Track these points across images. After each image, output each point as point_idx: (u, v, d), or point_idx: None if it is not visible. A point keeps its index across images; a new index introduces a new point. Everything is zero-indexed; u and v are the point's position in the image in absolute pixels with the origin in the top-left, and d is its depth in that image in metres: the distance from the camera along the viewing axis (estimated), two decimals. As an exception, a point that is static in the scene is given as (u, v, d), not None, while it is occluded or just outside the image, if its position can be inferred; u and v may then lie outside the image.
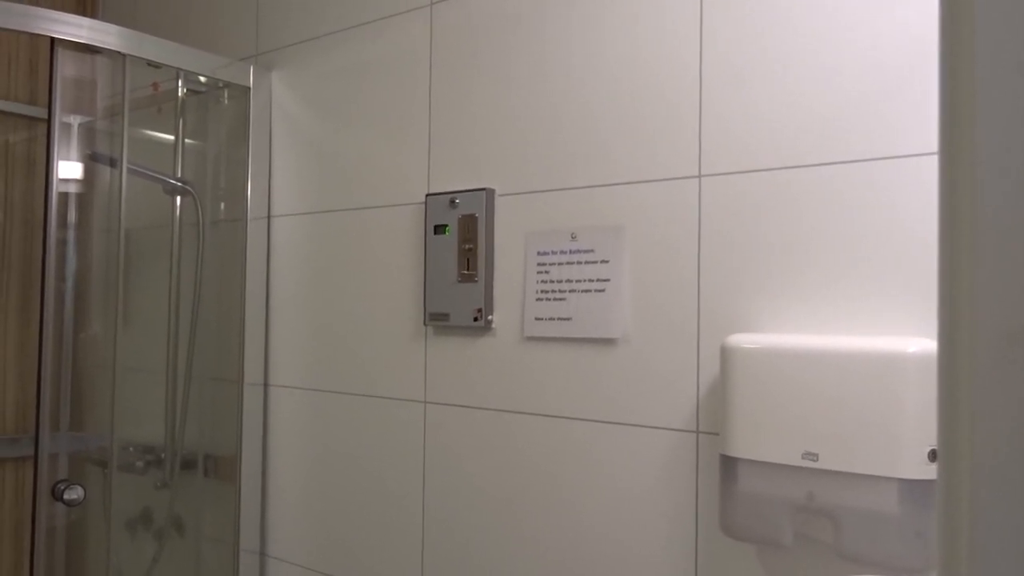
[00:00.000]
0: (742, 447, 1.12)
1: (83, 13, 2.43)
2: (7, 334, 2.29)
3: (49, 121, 1.61)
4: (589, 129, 1.40)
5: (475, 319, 1.50)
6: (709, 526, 1.25)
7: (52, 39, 1.59)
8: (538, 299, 1.44)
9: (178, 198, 2.01)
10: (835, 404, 1.05)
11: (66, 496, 1.57)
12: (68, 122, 2.20)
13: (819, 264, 1.16)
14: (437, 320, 1.56)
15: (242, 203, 1.91)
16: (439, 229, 1.57)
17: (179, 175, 2.00)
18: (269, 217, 1.93)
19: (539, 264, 1.44)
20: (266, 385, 1.92)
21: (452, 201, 1.55)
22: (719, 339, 1.24)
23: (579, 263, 1.39)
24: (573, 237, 1.40)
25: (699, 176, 1.27)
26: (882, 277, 1.11)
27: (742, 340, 1.14)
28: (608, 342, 1.36)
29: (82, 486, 1.61)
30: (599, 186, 1.38)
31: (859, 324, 1.12)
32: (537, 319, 1.44)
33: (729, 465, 1.14)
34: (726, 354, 1.14)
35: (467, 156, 1.56)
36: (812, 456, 1.06)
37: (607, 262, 1.36)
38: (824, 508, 1.06)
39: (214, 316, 1.98)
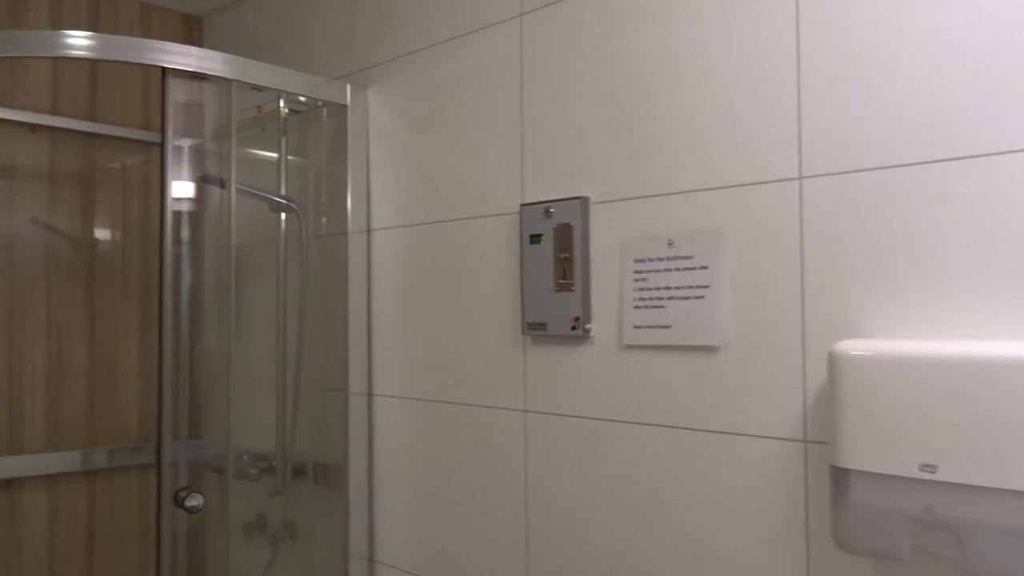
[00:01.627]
0: (854, 458, 1.08)
1: (190, 41, 2.55)
2: (130, 348, 2.42)
3: (163, 145, 1.69)
4: (684, 133, 1.38)
5: (573, 328, 1.50)
6: (821, 538, 1.21)
7: (164, 69, 1.67)
8: (636, 307, 1.42)
9: (283, 215, 2.08)
10: (955, 413, 1.00)
11: (187, 503, 1.65)
12: (179, 145, 2.31)
13: (933, 266, 1.11)
14: (535, 330, 1.57)
15: (343, 217, 1.97)
16: (534, 239, 1.57)
17: (283, 192, 2.07)
18: (369, 230, 1.98)
19: (636, 272, 1.42)
20: (370, 394, 1.97)
21: (547, 210, 1.55)
22: (826, 345, 1.20)
23: (677, 270, 1.37)
24: (670, 243, 1.38)
25: (799, 178, 1.24)
26: (1001, 278, 1.05)
27: (851, 347, 1.10)
28: (709, 349, 1.33)
29: (201, 493, 1.68)
30: (695, 191, 1.36)
31: (977, 328, 1.07)
32: (636, 327, 1.42)
33: (841, 476, 1.10)
34: (834, 361, 1.11)
35: (561, 165, 1.56)
36: (930, 468, 1.01)
37: (706, 268, 1.33)
38: (945, 522, 1.01)
39: (319, 327, 2.04)
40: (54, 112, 2.29)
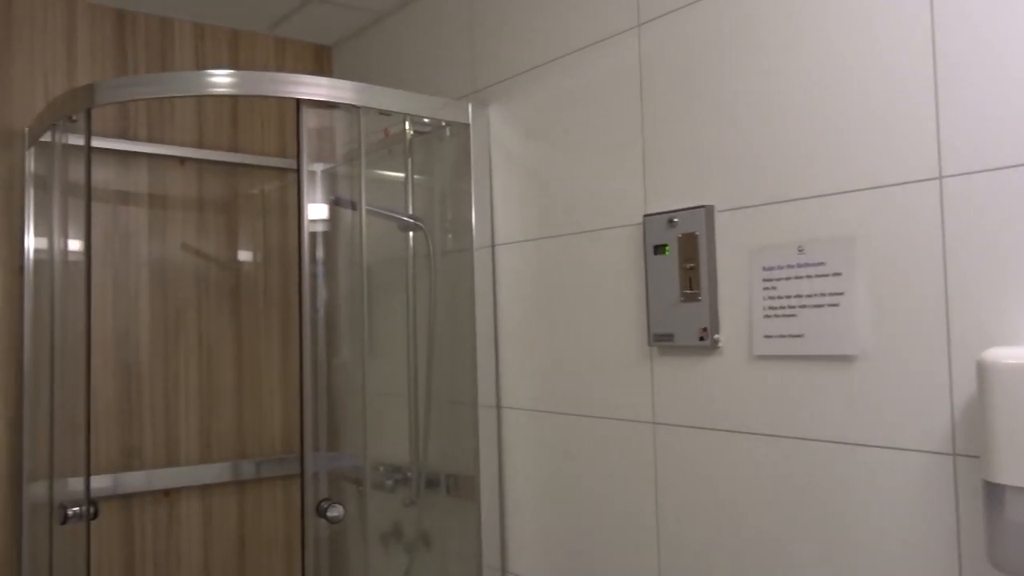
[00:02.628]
0: (1009, 473, 1.02)
1: (320, 70, 2.67)
2: (272, 364, 2.55)
3: (299, 171, 1.78)
4: (813, 135, 1.34)
5: (700, 338, 1.48)
6: (975, 557, 1.14)
7: (298, 100, 1.76)
8: (766, 316, 1.39)
9: (410, 233, 2.15)
10: (1123, 425, 0.92)
11: (329, 514, 1.73)
12: (312, 170, 2.43)
13: (1093, 266, 1.03)
14: (662, 340, 1.55)
15: (468, 234, 2.01)
16: (658, 249, 1.56)
17: (410, 211, 2.14)
18: (493, 246, 2.02)
19: (765, 280, 1.39)
20: (499, 407, 2.00)
21: (670, 220, 1.53)
22: (974, 354, 1.14)
23: (808, 277, 1.33)
24: (800, 250, 1.34)
25: (939, 177, 1.18)
26: None
27: (1003, 355, 1.03)
28: (845, 359, 1.29)
29: (342, 504, 1.75)
30: (826, 195, 1.32)
31: None
32: (766, 337, 1.39)
33: (994, 492, 1.04)
34: (984, 370, 1.05)
35: (683, 174, 1.55)
36: (1097, 484, 0.94)
37: (839, 275, 1.29)
38: (1116, 543, 0.94)
39: (448, 341, 2.09)
40: (200, 145, 2.45)
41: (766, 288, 1.39)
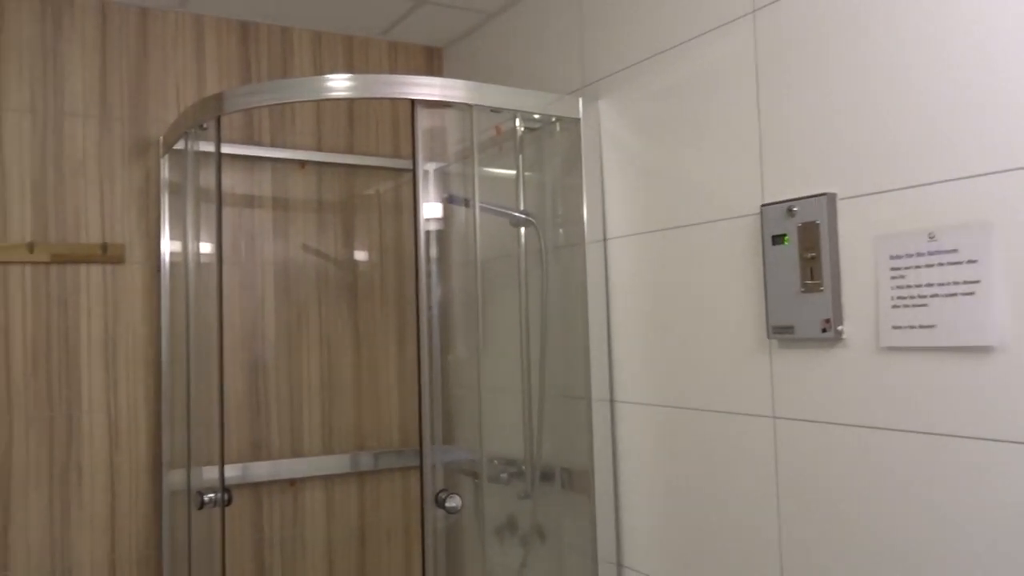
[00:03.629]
0: None
1: (431, 71, 2.73)
2: (389, 359, 2.62)
3: (414, 170, 1.83)
4: (942, 117, 1.28)
5: (823, 330, 1.44)
6: None
7: (413, 101, 1.81)
8: (894, 306, 1.34)
9: (522, 229, 2.17)
10: None
11: (447, 504, 1.76)
12: (426, 169, 2.49)
13: None
14: (781, 333, 1.52)
15: (579, 228, 2.02)
16: (777, 239, 1.52)
17: (521, 207, 2.16)
18: (605, 240, 2.01)
19: (892, 268, 1.34)
20: (612, 401, 1.99)
21: (790, 210, 1.50)
22: None
23: (940, 265, 1.27)
24: (931, 237, 1.28)
25: (1088, 156, 1.11)
26: None
27: None
28: (981, 350, 1.22)
29: (459, 495, 1.79)
30: (958, 179, 1.26)
31: None
32: (895, 328, 1.34)
33: None
34: None
35: (803, 162, 1.51)
36: None
37: (974, 262, 1.23)
38: None
39: (560, 336, 2.10)
40: (318, 148, 2.54)
41: (894, 277, 1.34)
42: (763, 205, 1.55)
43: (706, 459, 1.73)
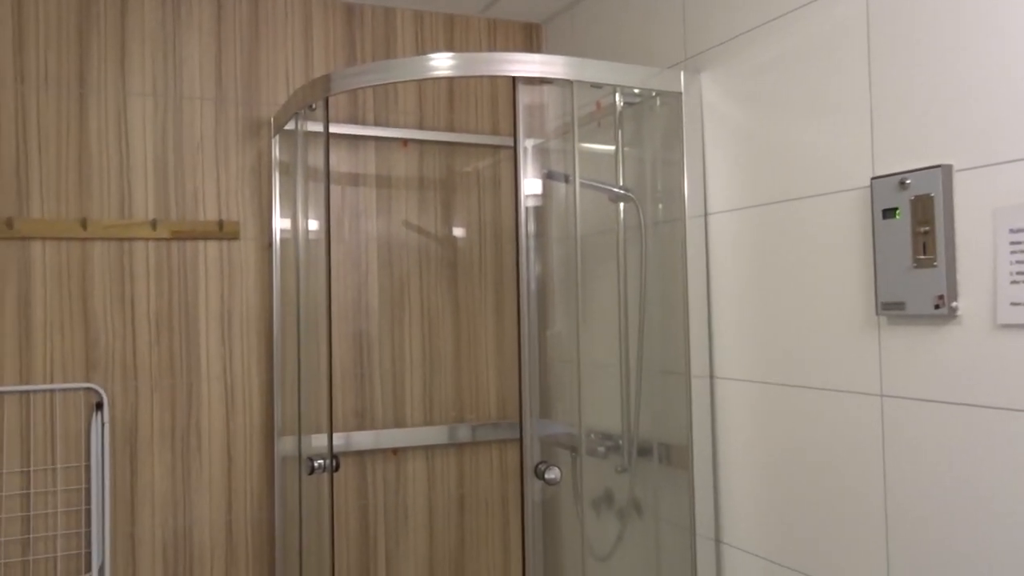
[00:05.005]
0: None
1: (530, 48, 2.74)
2: (487, 333, 2.67)
3: (515, 146, 1.85)
4: (1071, 84, 1.22)
5: (936, 307, 1.39)
6: None
7: (514, 78, 1.83)
8: (1013, 282, 1.28)
9: (621, 204, 2.17)
10: None
11: (547, 476, 1.80)
12: (525, 146, 2.50)
13: None
14: (891, 309, 1.48)
15: (679, 204, 2.00)
16: (888, 213, 1.48)
17: (620, 183, 2.16)
18: (706, 215, 1.99)
19: (1013, 243, 1.29)
20: (712, 377, 1.98)
21: (902, 182, 1.45)
22: None
23: (1066, 238, 1.21)
24: (1056, 209, 1.23)
25: None
26: None
27: None
28: (1111, 328, 1.17)
29: (558, 467, 1.82)
30: (1088, 148, 1.19)
31: None
32: (1013, 304, 1.29)
33: None
34: None
35: (916, 133, 1.46)
36: None
37: (1104, 235, 1.17)
38: None
39: (659, 312, 2.10)
40: (420, 127, 2.60)
41: (1014, 252, 1.28)
42: (873, 178, 1.51)
43: (808, 437, 1.71)
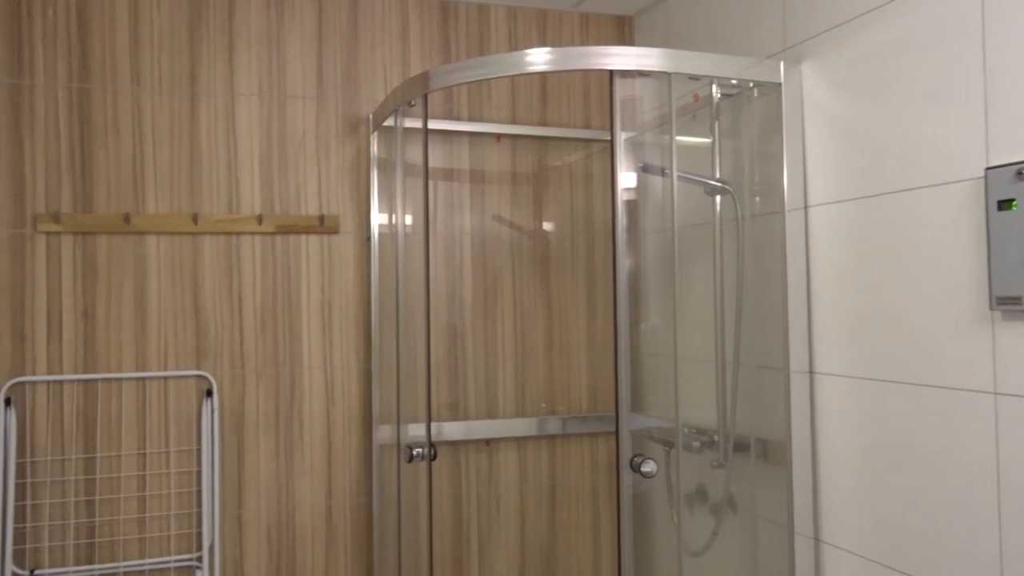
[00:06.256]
0: None
1: (622, 41, 2.73)
2: (579, 327, 2.68)
3: (612, 141, 1.85)
4: None
5: (1057, 301, 1.34)
6: None
7: (611, 71, 1.83)
8: None
9: (717, 197, 2.15)
10: None
11: (643, 469, 1.80)
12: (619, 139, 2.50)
13: None
14: (1007, 304, 1.43)
15: (777, 196, 1.97)
16: (1003, 204, 1.43)
17: (717, 176, 2.14)
18: (806, 207, 1.96)
19: None
20: (811, 372, 1.95)
21: (1019, 172, 1.40)
22: None
23: None
24: None
25: None
26: None
27: None
28: None
29: (654, 460, 1.82)
30: None
31: None
32: None
33: None
34: None
35: (1036, 120, 1.40)
36: None
37: None
38: None
39: (756, 306, 2.07)
40: (513, 122, 2.62)
41: None
42: (988, 168, 1.46)
43: (915, 435, 1.66)
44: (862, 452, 1.80)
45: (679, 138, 2.27)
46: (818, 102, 1.92)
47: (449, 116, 2.56)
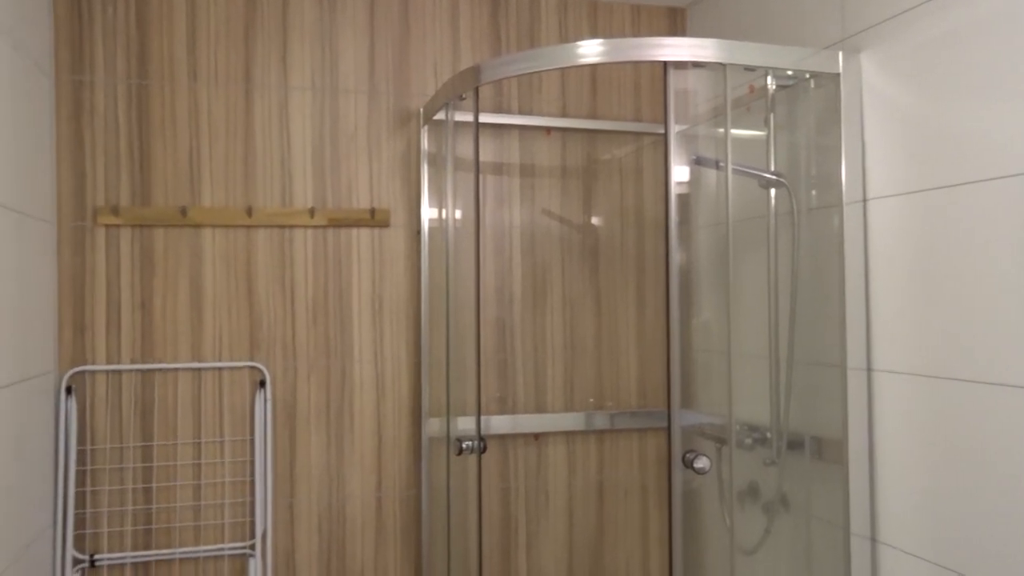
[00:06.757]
0: None
1: (674, 32, 2.70)
2: (628, 322, 2.66)
3: (666, 133, 1.83)
4: None
5: None
6: None
7: (665, 63, 1.81)
8: None
9: (772, 190, 2.11)
10: None
11: (696, 464, 1.78)
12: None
13: None
14: (1079, 300, 1.38)
15: (835, 189, 1.93)
16: (1076, 197, 1.38)
17: (772, 168, 2.10)
18: (864, 200, 1.92)
19: None
20: (869, 369, 1.91)
21: (1094, 163, 1.35)
22: None
23: None
24: None
25: None
26: None
27: None
28: None
29: (706, 456, 1.80)
30: None
31: None
32: None
33: None
34: None
35: (1112, 109, 1.35)
36: None
37: None
38: None
39: (811, 301, 2.03)
40: (563, 114, 2.61)
41: None
42: (1060, 159, 1.41)
43: (978, 434, 1.61)
44: (922, 451, 1.76)
45: (735, 130, 2.24)
46: (878, 93, 1.87)
47: (499, 109, 2.56)
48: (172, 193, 2.31)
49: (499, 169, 2.56)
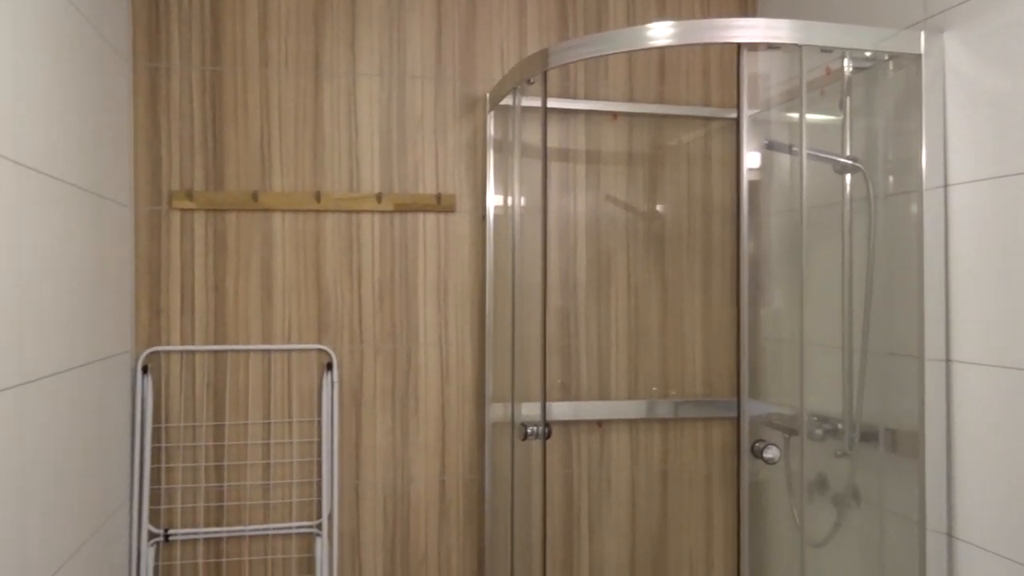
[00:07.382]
0: None
1: (744, 13, 2.64)
2: (695, 309, 2.63)
3: (738, 118, 1.80)
4: None
5: None
6: None
7: (739, 44, 1.77)
8: None
9: (847, 176, 2.06)
10: None
11: (765, 455, 1.75)
12: (735, 116, 2.43)
13: None
14: None
15: (914, 175, 1.87)
16: None
17: (847, 153, 2.05)
18: (946, 186, 1.85)
19: None
20: (948, 360, 1.85)
21: None
22: None
23: None
24: None
25: None
26: None
27: None
28: None
29: (776, 446, 1.77)
30: None
31: None
32: None
33: None
34: None
35: None
36: None
37: None
38: None
39: (887, 290, 1.98)
40: (630, 99, 2.58)
41: None
42: None
43: (1067, 430, 1.55)
44: (1003, 444, 1.70)
45: (809, 114, 2.18)
46: (962, 75, 1.80)
47: (565, 94, 2.54)
48: (244, 178, 2.35)
49: (565, 155, 2.54)
